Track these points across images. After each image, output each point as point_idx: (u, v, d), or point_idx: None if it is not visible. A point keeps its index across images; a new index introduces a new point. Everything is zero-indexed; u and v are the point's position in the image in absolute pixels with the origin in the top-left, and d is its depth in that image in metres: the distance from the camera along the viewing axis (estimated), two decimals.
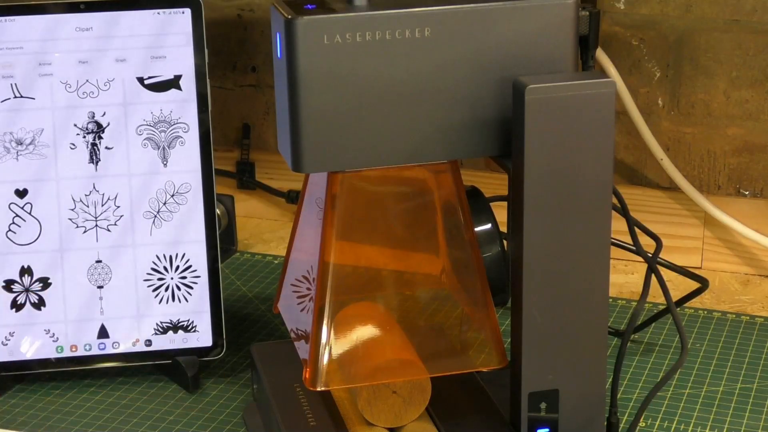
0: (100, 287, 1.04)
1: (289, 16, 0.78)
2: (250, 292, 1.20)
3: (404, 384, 0.86)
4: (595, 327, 0.84)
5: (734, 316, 1.14)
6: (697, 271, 1.12)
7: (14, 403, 1.01)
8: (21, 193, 1.03)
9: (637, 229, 0.92)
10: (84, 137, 1.02)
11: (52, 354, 1.04)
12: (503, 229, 0.87)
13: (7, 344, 1.03)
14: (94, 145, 1.03)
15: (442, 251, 0.87)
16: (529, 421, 0.85)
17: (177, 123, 1.03)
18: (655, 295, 1.08)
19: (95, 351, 1.04)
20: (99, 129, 1.03)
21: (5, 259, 1.03)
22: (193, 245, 1.04)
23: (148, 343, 1.04)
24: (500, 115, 0.82)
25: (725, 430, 0.96)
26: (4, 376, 1.03)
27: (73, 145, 1.02)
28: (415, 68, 0.80)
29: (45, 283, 1.03)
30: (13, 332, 1.03)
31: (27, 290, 1.03)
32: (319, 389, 0.85)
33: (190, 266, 1.04)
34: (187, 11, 1.02)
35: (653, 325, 1.09)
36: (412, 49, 0.80)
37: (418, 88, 0.81)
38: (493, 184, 1.23)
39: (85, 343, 1.04)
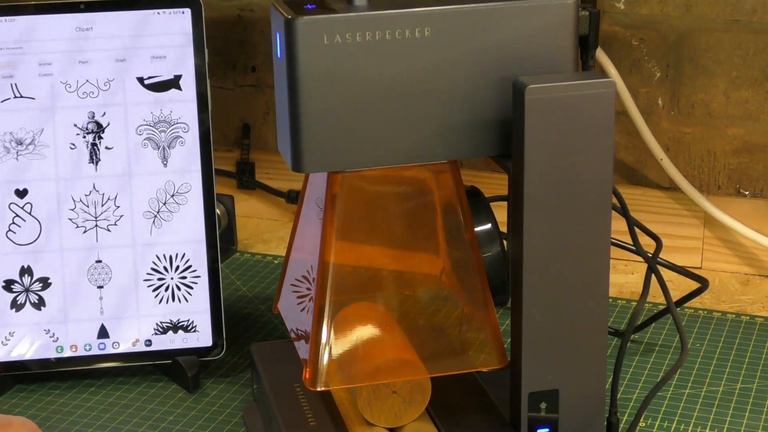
0: (100, 287, 1.04)
1: (289, 16, 0.78)
2: (250, 292, 1.20)
3: (404, 384, 0.86)
4: (595, 327, 0.84)
5: (734, 316, 1.14)
6: (697, 271, 1.12)
7: (14, 403, 1.01)
8: (21, 193, 1.03)
9: (637, 229, 0.92)
10: (84, 137, 1.02)
11: (52, 354, 1.04)
12: (503, 229, 0.87)
13: (7, 344, 1.03)
14: (94, 145, 1.03)
15: (442, 251, 0.87)
16: (529, 421, 0.85)
17: (177, 123, 1.03)
18: (655, 295, 1.08)
19: (95, 351, 1.04)
20: (99, 129, 1.02)
21: (5, 259, 1.03)
22: (193, 245, 1.04)
23: (148, 343, 1.04)
24: (500, 115, 0.82)
25: (725, 430, 0.96)
26: (4, 376, 1.03)
27: (73, 145, 1.02)
28: (415, 68, 0.80)
29: (45, 283, 1.03)
30: (13, 332, 1.03)
31: (27, 290, 1.03)
32: (319, 389, 0.84)
33: (190, 266, 1.04)
34: (187, 11, 1.02)
35: (653, 325, 1.09)
36: (412, 49, 0.80)
37: (417, 88, 0.81)
38: (493, 184, 1.23)
39: (85, 343, 1.04)
